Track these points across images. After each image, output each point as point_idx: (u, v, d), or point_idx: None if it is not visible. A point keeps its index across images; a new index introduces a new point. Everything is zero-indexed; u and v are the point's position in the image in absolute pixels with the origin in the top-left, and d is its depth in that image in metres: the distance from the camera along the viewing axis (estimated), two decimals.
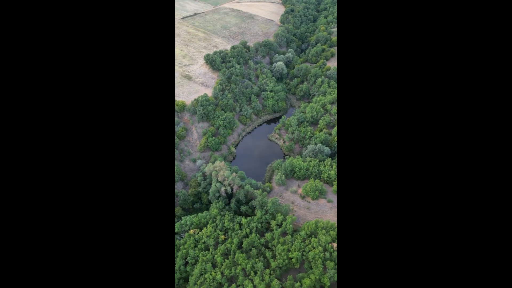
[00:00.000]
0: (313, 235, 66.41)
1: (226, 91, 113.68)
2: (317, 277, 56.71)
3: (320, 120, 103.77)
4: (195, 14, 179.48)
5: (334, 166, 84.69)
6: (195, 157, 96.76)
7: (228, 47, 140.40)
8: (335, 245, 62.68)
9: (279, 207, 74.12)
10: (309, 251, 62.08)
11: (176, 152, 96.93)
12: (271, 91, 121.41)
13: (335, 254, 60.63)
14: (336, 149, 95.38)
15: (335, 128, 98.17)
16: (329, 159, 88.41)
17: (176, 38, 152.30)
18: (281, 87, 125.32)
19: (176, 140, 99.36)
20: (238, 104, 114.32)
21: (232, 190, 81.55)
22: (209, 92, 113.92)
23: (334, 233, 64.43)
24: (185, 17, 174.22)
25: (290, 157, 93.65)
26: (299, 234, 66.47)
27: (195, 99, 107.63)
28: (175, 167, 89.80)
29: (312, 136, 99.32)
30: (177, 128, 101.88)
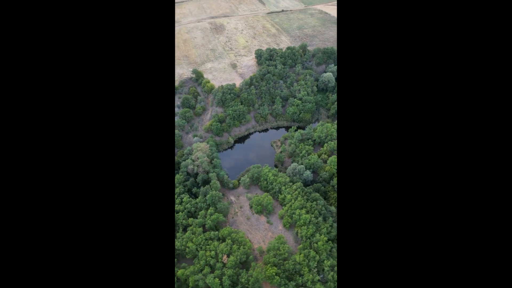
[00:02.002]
0: (220, 240, 65.95)
1: (253, 86, 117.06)
2: (188, 273, 57.87)
3: (326, 144, 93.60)
4: (282, 11, 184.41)
5: (297, 192, 77.10)
6: (197, 134, 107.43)
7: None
8: (225, 257, 60.74)
9: (216, 202, 75.90)
10: (203, 250, 62.83)
11: (188, 125, 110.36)
12: (299, 99, 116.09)
13: (219, 264, 59.25)
14: (321, 178, 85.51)
15: (333, 158, 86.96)
16: (299, 184, 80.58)
17: (249, 30, 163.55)
18: (313, 99, 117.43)
19: (193, 115, 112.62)
20: (259, 102, 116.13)
21: (198, 171, 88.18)
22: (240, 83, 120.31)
23: (235, 247, 62.06)
24: (271, 13, 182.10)
25: (266, 165, 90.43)
26: (210, 233, 67.39)
27: (221, 85, 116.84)
28: (178, 137, 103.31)
29: (304, 156, 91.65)
30: (197, 106, 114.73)
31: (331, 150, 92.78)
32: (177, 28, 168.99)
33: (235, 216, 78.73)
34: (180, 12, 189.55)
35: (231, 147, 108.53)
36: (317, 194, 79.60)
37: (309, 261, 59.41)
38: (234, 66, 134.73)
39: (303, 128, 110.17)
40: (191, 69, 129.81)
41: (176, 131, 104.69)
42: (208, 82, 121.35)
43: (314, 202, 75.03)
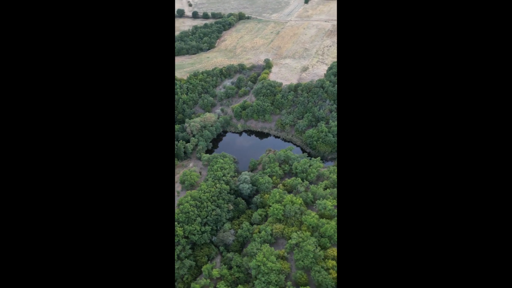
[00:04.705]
0: None
1: (292, 92, 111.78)
2: None
3: (294, 178, 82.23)
4: None
5: (214, 189, 77.49)
6: (223, 109, 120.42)
7: None
8: None
9: None
10: None
11: (226, 99, 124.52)
12: (329, 127, 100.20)
13: None
14: (254, 200, 79.66)
15: (275, 191, 77.11)
16: (227, 187, 79.42)
17: None
18: None
19: (234, 94, 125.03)
20: (290, 110, 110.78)
21: (186, 130, 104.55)
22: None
23: None
24: None
25: (229, 158, 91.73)
26: None
27: (268, 81, 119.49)
28: (210, 103, 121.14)
29: (267, 175, 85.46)
30: (243, 89, 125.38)
31: (292, 186, 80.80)
32: (299, 22, 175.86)
33: None
34: (321, 9, 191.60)
35: (239, 133, 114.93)
36: (227, 206, 76.57)
37: None
38: (305, 69, 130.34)
39: (311, 155, 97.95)
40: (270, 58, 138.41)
41: (211, 98, 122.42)
42: (267, 73, 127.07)
43: (212, 207, 74.03)
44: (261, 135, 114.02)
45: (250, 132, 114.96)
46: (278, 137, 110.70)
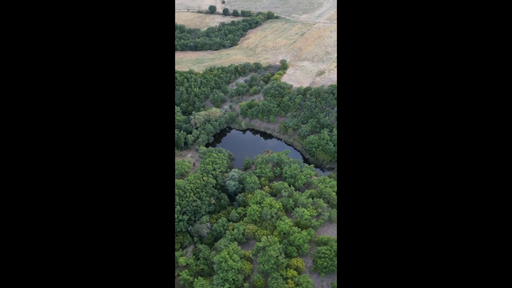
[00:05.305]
0: None
1: (300, 95, 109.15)
2: None
3: (280, 183, 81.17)
4: None
5: (200, 182, 79.70)
6: (232, 105, 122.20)
7: None
8: None
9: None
10: None
11: (237, 96, 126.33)
12: (331, 136, 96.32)
13: None
14: (236, 198, 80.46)
15: (258, 193, 76.80)
16: (213, 181, 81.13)
17: None
18: None
19: (245, 92, 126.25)
20: (294, 113, 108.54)
21: (191, 122, 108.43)
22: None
23: None
24: None
25: (223, 153, 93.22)
26: None
27: (278, 82, 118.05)
28: (219, 98, 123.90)
29: (256, 175, 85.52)
30: (254, 88, 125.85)
31: (278, 189, 79.73)
32: (328, 25, 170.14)
33: None
34: None
35: (243, 131, 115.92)
36: (209, 199, 78.20)
37: None
38: (320, 73, 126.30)
39: (309, 162, 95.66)
40: (288, 59, 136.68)
41: (222, 94, 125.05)
42: (280, 74, 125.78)
43: (194, 198, 76.23)
44: (265, 135, 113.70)
45: (254, 131, 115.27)
46: (280, 139, 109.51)
